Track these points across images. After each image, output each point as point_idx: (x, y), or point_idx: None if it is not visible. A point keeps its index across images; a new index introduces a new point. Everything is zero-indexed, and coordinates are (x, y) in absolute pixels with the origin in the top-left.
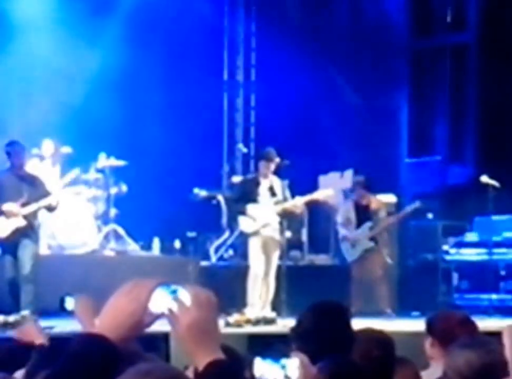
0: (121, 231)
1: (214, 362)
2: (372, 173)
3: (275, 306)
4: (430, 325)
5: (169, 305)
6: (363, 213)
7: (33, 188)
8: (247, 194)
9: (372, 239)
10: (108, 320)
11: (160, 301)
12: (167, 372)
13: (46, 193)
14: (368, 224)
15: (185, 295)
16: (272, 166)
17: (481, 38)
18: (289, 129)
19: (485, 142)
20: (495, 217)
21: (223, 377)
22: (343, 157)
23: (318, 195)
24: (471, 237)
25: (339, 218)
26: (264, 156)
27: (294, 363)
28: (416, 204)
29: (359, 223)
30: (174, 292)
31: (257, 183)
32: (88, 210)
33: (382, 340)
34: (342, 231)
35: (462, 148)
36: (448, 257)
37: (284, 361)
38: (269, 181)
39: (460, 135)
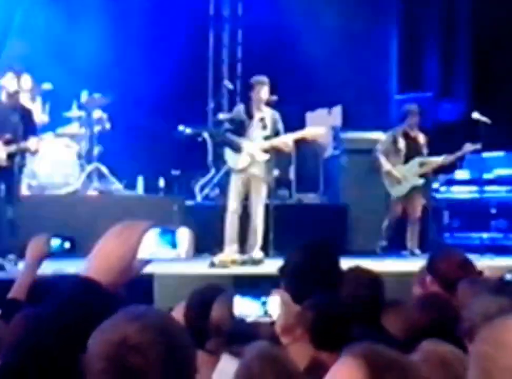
0: (104, 170)
1: None
2: (361, 109)
3: (262, 246)
4: (431, 264)
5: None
6: (412, 147)
7: (22, 123)
8: (238, 124)
9: (421, 176)
10: (97, 263)
11: (151, 244)
12: (156, 315)
13: (33, 132)
14: (418, 160)
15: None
16: (266, 91)
17: None
18: (276, 65)
19: (477, 78)
20: (486, 154)
21: None
22: (331, 93)
23: (308, 133)
24: (461, 174)
25: (380, 146)
26: (258, 80)
27: (274, 300)
28: (477, 145)
29: (407, 157)
30: (165, 234)
31: (250, 115)
32: (70, 149)
33: (370, 279)
34: (386, 165)
35: (453, 84)
36: (438, 195)
37: (264, 298)
38: (261, 113)
39: (451, 71)
